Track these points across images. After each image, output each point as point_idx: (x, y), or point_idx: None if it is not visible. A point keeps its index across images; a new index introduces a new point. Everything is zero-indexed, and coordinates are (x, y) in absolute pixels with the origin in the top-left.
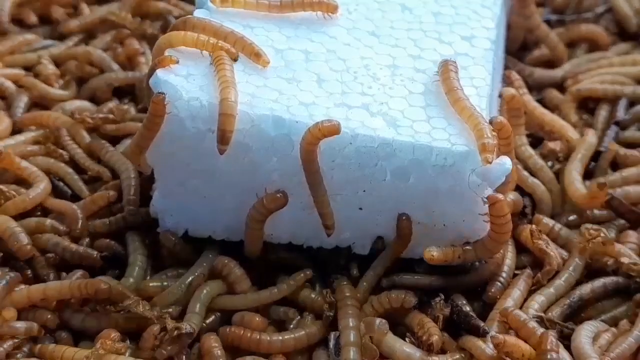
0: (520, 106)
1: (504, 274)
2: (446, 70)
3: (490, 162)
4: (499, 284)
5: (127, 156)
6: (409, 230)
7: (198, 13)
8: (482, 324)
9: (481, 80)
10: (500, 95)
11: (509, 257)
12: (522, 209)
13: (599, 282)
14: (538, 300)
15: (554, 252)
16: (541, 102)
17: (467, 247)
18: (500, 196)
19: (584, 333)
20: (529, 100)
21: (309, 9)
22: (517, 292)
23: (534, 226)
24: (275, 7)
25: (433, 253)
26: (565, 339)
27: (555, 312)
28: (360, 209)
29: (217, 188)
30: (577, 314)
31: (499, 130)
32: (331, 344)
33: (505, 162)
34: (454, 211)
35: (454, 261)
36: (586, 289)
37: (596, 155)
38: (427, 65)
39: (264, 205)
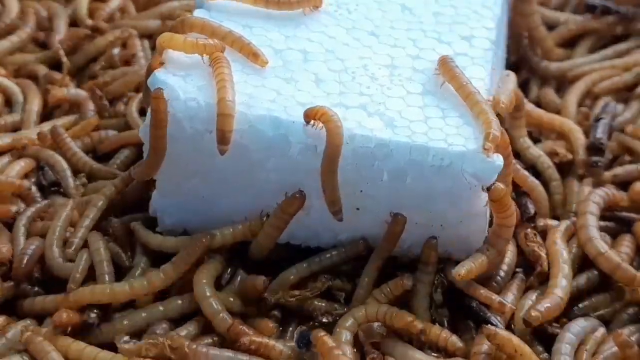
0: (519, 102)
1: (502, 273)
2: (449, 67)
3: (489, 150)
4: (494, 284)
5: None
6: (401, 227)
7: (197, 13)
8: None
9: (479, 81)
10: None
11: (509, 256)
12: (534, 214)
13: (593, 272)
14: (531, 298)
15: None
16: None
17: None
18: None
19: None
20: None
21: (297, 6)
22: (510, 296)
23: (529, 230)
24: (262, 1)
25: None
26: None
27: None
28: (358, 209)
29: (215, 188)
30: (573, 304)
31: None
32: (295, 338)
33: (496, 160)
34: (451, 212)
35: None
36: (582, 279)
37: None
38: (425, 65)
39: (283, 210)
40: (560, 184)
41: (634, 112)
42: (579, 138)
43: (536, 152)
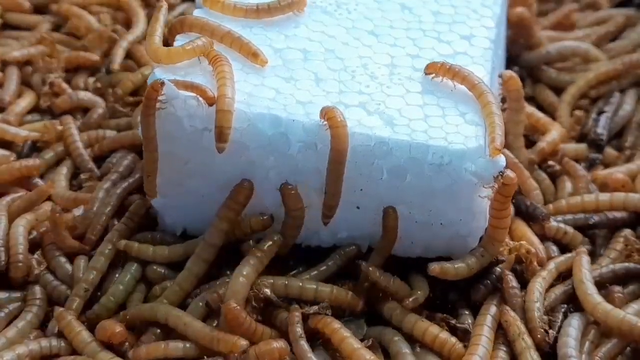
0: (519, 87)
1: (494, 275)
2: (455, 69)
3: (499, 149)
4: (489, 282)
5: (145, 178)
6: (394, 223)
7: (197, 13)
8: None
9: None
10: (500, 76)
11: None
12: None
13: (607, 268)
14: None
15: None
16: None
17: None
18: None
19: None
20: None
21: (288, 10)
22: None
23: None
24: (253, 12)
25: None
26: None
27: (558, 292)
28: (358, 208)
29: (215, 187)
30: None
31: (506, 82)
32: None
33: (499, 160)
34: (451, 210)
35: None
36: (594, 274)
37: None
38: (425, 65)
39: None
40: (550, 183)
41: (633, 104)
42: (554, 135)
43: (526, 155)
